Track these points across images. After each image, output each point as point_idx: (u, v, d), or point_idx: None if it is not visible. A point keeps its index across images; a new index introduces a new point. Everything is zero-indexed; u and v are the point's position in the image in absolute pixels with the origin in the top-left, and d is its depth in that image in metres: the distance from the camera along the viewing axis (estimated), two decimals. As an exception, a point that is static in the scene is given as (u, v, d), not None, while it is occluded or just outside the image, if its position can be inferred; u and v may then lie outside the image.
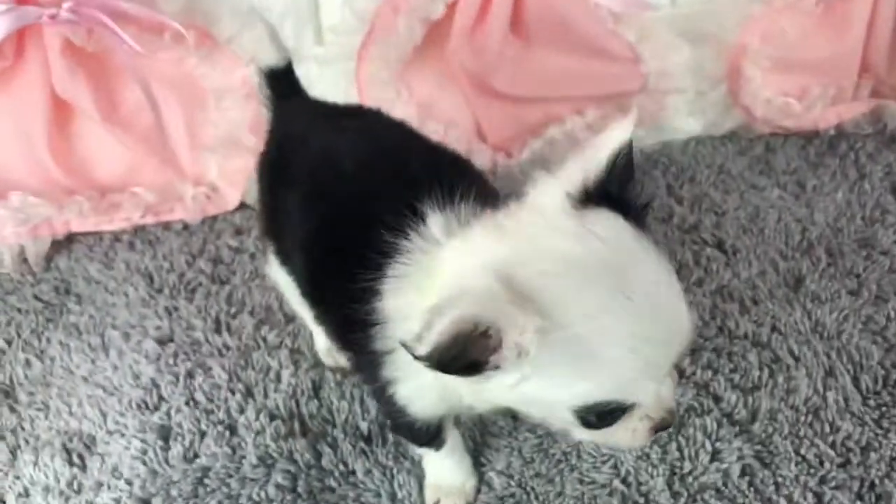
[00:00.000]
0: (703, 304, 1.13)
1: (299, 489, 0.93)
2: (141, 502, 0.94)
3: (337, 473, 0.96)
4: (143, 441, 1.00)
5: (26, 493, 0.96)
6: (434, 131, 1.36)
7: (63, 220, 1.31)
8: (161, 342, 1.14)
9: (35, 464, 0.99)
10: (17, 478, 0.98)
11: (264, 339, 1.13)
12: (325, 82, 1.32)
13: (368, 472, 0.95)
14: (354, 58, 1.34)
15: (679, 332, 0.63)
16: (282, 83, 0.99)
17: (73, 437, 1.03)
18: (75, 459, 1.00)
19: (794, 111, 1.41)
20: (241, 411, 1.02)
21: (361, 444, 0.98)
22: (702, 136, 1.49)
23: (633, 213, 0.65)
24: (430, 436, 0.83)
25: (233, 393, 1.05)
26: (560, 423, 0.68)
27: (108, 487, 0.96)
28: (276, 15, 1.33)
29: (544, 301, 0.57)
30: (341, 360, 1.04)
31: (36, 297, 1.27)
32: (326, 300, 0.80)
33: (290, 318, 1.16)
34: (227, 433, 1.00)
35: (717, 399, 1.00)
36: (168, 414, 1.03)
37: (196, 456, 0.98)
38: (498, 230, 0.64)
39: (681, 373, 1.03)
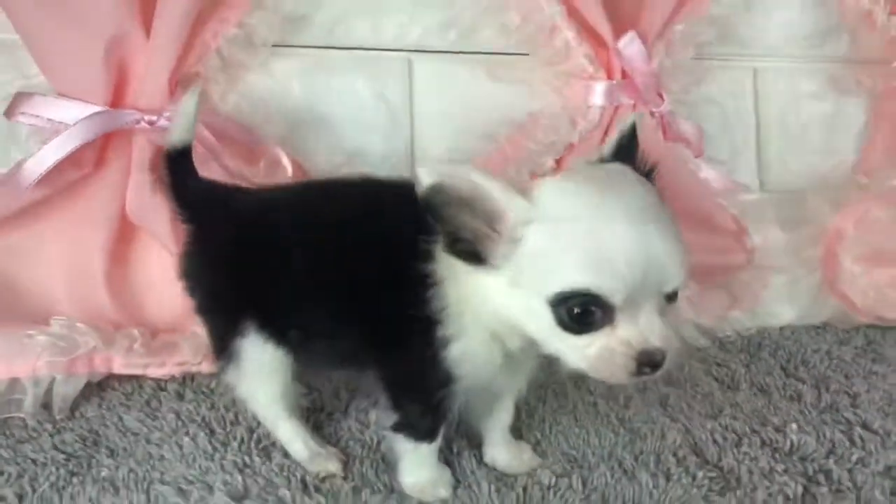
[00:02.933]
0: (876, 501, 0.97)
1: None
2: None
3: None
4: None
5: None
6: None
7: (106, 355, 1.09)
8: (234, 498, 0.90)
9: None
10: None
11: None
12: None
13: None
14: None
15: (662, 256, 0.70)
16: (180, 163, 0.98)
17: None
18: None
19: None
20: None
21: None
22: (796, 325, 1.41)
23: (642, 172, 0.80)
24: (435, 426, 0.89)
25: None
26: (546, 334, 0.74)
27: None
28: (376, 157, 1.27)
29: (537, 196, 0.71)
30: (330, 464, 0.96)
31: (56, 448, 1.02)
32: (368, 300, 0.84)
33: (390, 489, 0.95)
34: None
35: None
36: None
37: None
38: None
39: None
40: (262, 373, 0.96)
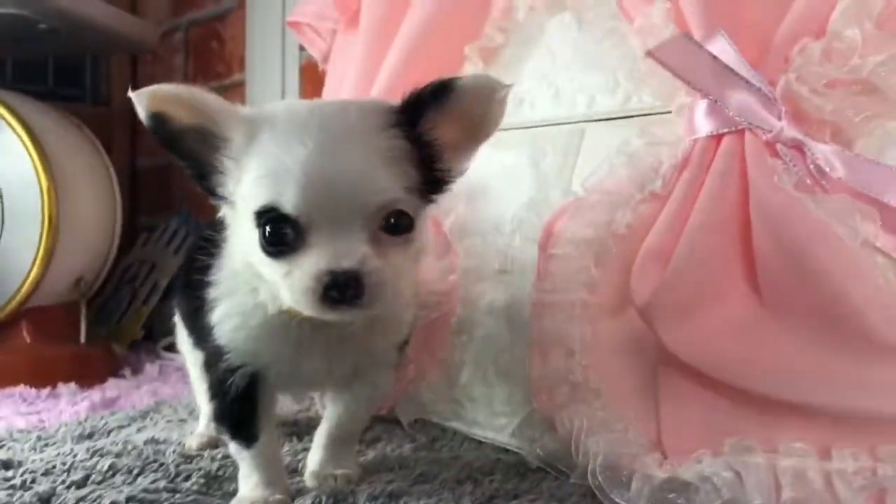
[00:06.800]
0: None
1: None
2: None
3: None
4: None
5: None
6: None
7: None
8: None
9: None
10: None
11: None
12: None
13: None
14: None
15: (350, 174, 0.68)
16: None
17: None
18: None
19: None
20: None
21: None
22: None
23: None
24: (245, 420, 0.83)
25: None
26: (263, 268, 0.71)
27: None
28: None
29: (267, 113, 0.72)
30: (192, 442, 1.05)
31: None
32: (195, 299, 0.87)
33: None
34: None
35: None
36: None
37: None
38: None
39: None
40: (184, 349, 1.07)
